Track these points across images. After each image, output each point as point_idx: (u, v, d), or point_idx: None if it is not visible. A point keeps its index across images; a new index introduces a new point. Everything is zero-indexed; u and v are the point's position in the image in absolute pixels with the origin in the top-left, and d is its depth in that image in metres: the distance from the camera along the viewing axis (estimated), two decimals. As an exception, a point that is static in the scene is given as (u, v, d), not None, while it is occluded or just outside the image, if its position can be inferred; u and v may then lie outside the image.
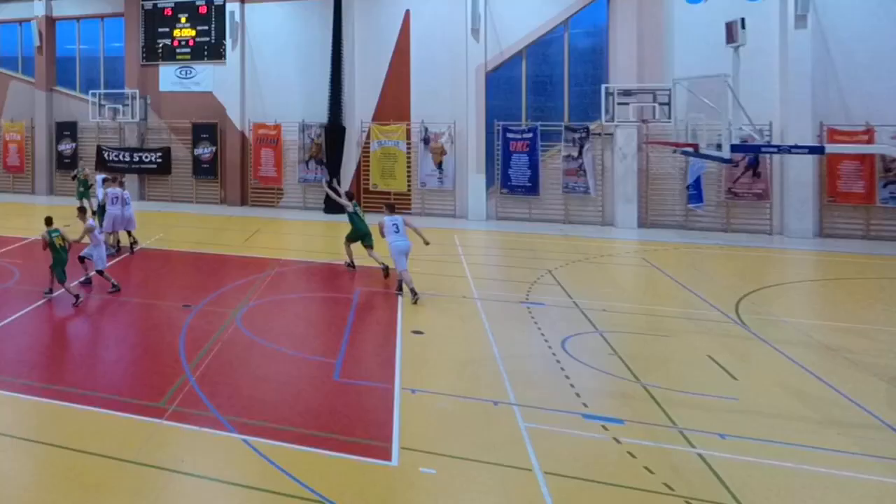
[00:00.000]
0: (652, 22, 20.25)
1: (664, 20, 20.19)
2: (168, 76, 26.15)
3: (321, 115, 23.32)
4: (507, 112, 22.05)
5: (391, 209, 13.54)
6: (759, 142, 13.52)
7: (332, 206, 23.04)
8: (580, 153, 20.80)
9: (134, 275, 14.62)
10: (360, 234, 14.58)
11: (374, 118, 23.20)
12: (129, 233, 16.35)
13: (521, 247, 17.60)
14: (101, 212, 16.66)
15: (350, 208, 14.81)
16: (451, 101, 22.06)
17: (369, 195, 23.11)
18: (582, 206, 21.10)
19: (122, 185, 17.01)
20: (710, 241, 18.23)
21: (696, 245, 17.81)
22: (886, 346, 10.22)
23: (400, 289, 12.87)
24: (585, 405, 8.11)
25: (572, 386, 8.68)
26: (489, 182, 21.86)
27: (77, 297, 12.29)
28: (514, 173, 21.56)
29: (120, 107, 25.68)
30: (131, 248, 16.34)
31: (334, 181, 19.35)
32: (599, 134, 20.79)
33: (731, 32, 11.27)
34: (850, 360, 9.57)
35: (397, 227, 12.80)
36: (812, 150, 16.01)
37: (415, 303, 12.15)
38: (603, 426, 7.57)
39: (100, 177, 20.02)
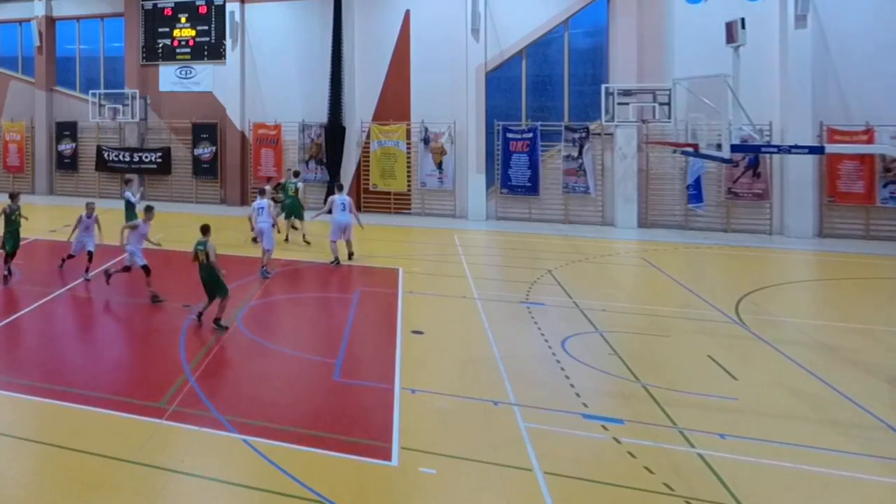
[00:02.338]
0: (652, 22, 20.24)
1: (664, 20, 20.18)
2: (168, 76, 26.15)
3: (321, 115, 23.32)
4: (507, 112, 22.05)
5: (340, 189, 16.21)
6: (759, 142, 13.50)
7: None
8: (580, 153, 20.80)
9: (134, 275, 14.59)
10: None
11: (374, 118, 23.20)
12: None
13: (521, 247, 17.60)
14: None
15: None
16: (451, 101, 22.05)
17: (369, 195, 23.13)
18: (582, 206, 21.10)
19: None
20: (710, 241, 18.23)
21: (696, 245, 17.80)
22: (886, 346, 10.22)
23: (337, 261, 15.17)
24: (585, 405, 8.11)
25: (572, 386, 8.68)
26: (489, 182, 21.85)
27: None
28: (514, 173, 21.56)
29: (120, 107, 25.68)
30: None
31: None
32: (599, 134, 20.79)
33: (731, 32, 11.26)
34: (850, 360, 9.57)
35: (344, 206, 15.16)
36: (812, 150, 16.00)
37: (333, 265, 15.01)
38: (603, 426, 7.57)
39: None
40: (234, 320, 11.23)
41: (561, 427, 7.61)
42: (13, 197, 14.61)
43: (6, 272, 13.71)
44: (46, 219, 22.07)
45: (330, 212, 15.30)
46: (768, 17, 18.90)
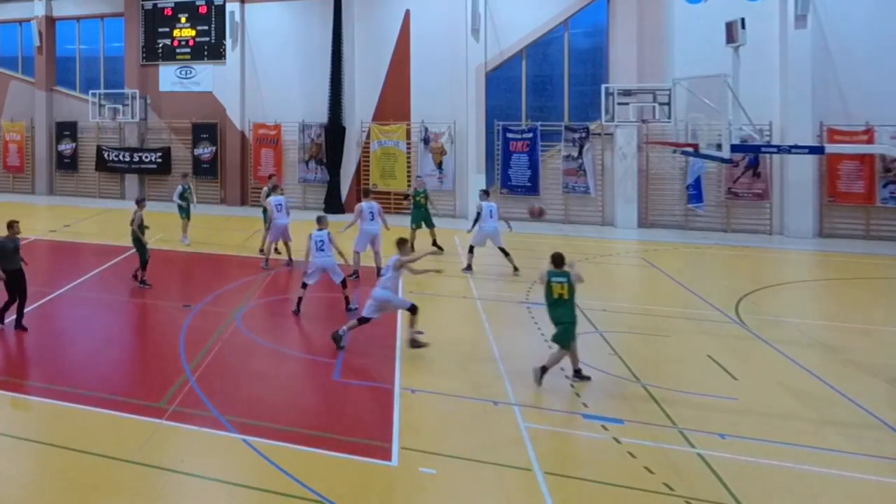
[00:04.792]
0: (652, 22, 20.24)
1: (664, 20, 20.18)
2: (168, 76, 26.15)
3: (321, 115, 23.33)
4: (507, 112, 22.05)
5: (367, 195, 15.04)
6: (759, 142, 13.51)
7: (332, 206, 23.07)
8: (580, 153, 20.79)
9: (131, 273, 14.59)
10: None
11: (374, 118, 23.19)
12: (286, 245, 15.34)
13: (521, 247, 17.55)
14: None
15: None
16: (451, 101, 22.05)
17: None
18: (582, 206, 21.10)
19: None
20: (710, 241, 18.23)
21: (696, 245, 17.80)
22: (886, 346, 10.22)
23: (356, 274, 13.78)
24: (585, 405, 8.11)
25: (572, 386, 8.68)
26: (489, 182, 21.83)
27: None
28: (514, 173, 21.56)
29: (120, 107, 25.67)
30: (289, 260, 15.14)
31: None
32: (599, 134, 20.79)
33: (731, 32, 11.27)
34: (850, 360, 9.56)
35: (373, 214, 13.96)
36: (812, 150, 16.01)
37: (353, 277, 13.35)
38: (603, 426, 7.57)
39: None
40: (233, 320, 11.23)
41: (561, 427, 7.61)
42: (140, 203, 13.90)
43: (143, 280, 13.33)
44: (47, 219, 22.07)
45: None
46: (768, 17, 18.89)
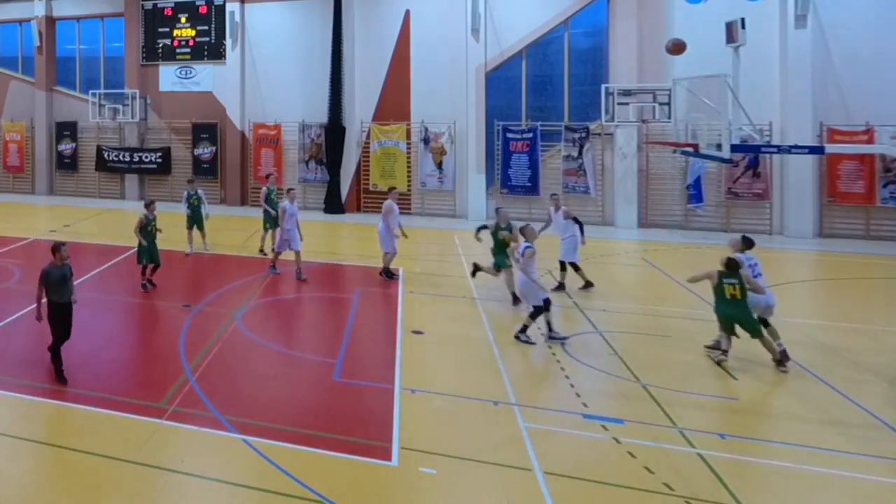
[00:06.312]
0: (652, 22, 20.25)
1: (664, 20, 20.18)
2: (168, 76, 26.16)
3: (321, 115, 23.33)
4: (507, 112, 22.06)
5: (389, 190, 15.23)
6: (759, 142, 13.49)
7: (332, 206, 23.09)
8: (580, 153, 20.80)
9: (134, 275, 14.59)
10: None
11: (374, 118, 23.20)
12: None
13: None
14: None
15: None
16: (451, 101, 22.06)
17: (369, 195, 23.13)
18: (582, 206, 21.06)
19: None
20: (710, 241, 18.22)
21: (696, 245, 17.79)
22: (886, 346, 10.22)
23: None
24: (585, 405, 8.11)
25: (572, 386, 8.68)
26: (489, 182, 21.86)
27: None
28: (514, 173, 21.57)
29: (120, 107, 25.69)
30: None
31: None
32: (599, 134, 20.80)
33: (731, 32, 11.25)
34: (850, 360, 9.57)
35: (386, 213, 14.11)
36: (812, 150, 16.00)
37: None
38: (603, 426, 7.57)
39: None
40: (233, 320, 11.23)
41: (561, 427, 7.61)
42: (148, 206, 13.59)
43: (145, 282, 13.14)
44: (47, 219, 22.09)
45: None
46: (768, 17, 18.90)
